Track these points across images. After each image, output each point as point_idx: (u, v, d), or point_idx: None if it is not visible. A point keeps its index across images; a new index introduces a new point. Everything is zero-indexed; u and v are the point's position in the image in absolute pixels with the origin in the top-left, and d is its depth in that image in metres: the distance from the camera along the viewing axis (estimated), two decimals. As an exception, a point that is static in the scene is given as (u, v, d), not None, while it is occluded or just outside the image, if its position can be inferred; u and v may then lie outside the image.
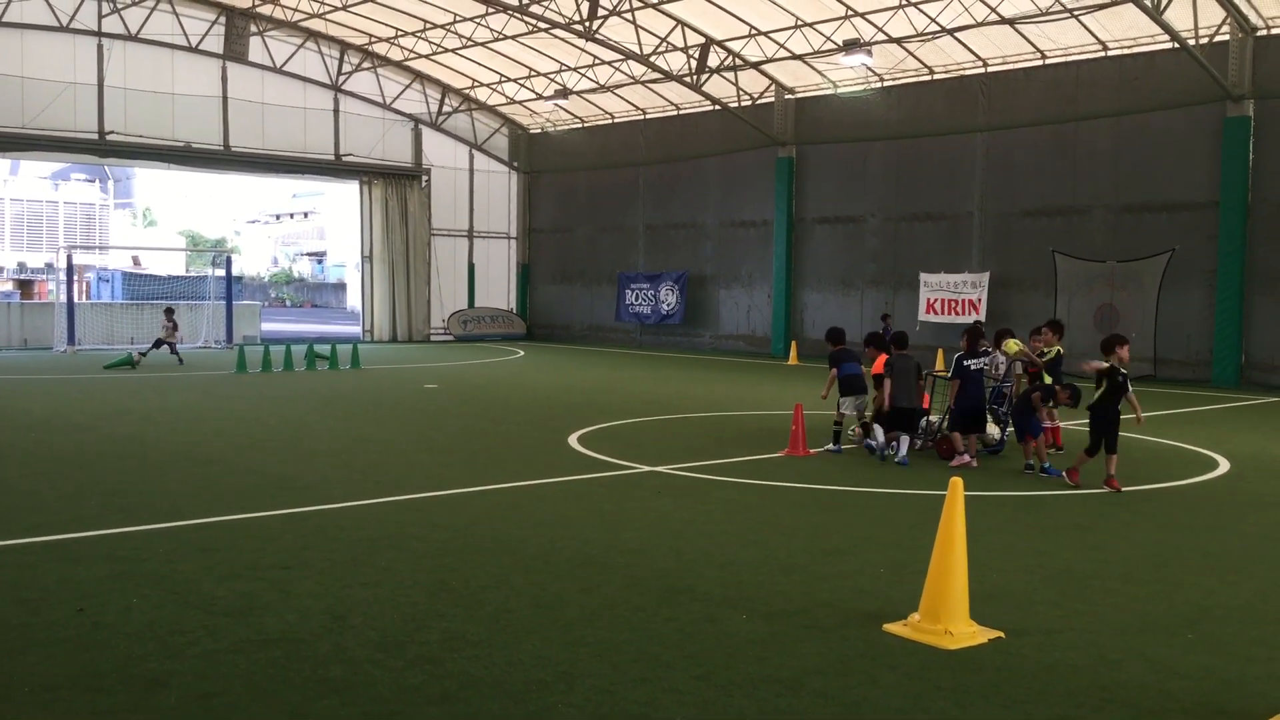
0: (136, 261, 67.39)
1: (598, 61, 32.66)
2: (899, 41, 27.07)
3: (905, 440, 12.47)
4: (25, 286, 54.82)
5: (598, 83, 34.16)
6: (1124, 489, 10.77)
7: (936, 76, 28.70)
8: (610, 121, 37.42)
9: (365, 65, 36.21)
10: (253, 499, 9.99)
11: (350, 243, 53.95)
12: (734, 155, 33.32)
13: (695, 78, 30.39)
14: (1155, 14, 21.53)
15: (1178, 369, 24.38)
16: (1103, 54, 25.55)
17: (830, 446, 13.27)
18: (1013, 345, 13.31)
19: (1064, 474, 11.25)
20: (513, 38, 31.65)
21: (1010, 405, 13.13)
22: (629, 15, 27.90)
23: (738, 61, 30.24)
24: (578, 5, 27.57)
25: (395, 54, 35.88)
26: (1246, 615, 6.87)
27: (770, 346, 32.50)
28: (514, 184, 40.94)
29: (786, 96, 31.77)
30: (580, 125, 38.45)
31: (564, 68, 33.88)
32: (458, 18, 31.31)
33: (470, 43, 32.74)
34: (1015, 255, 27.21)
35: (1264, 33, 23.16)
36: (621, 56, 30.28)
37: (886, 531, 9.13)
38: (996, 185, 27.70)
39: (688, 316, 34.84)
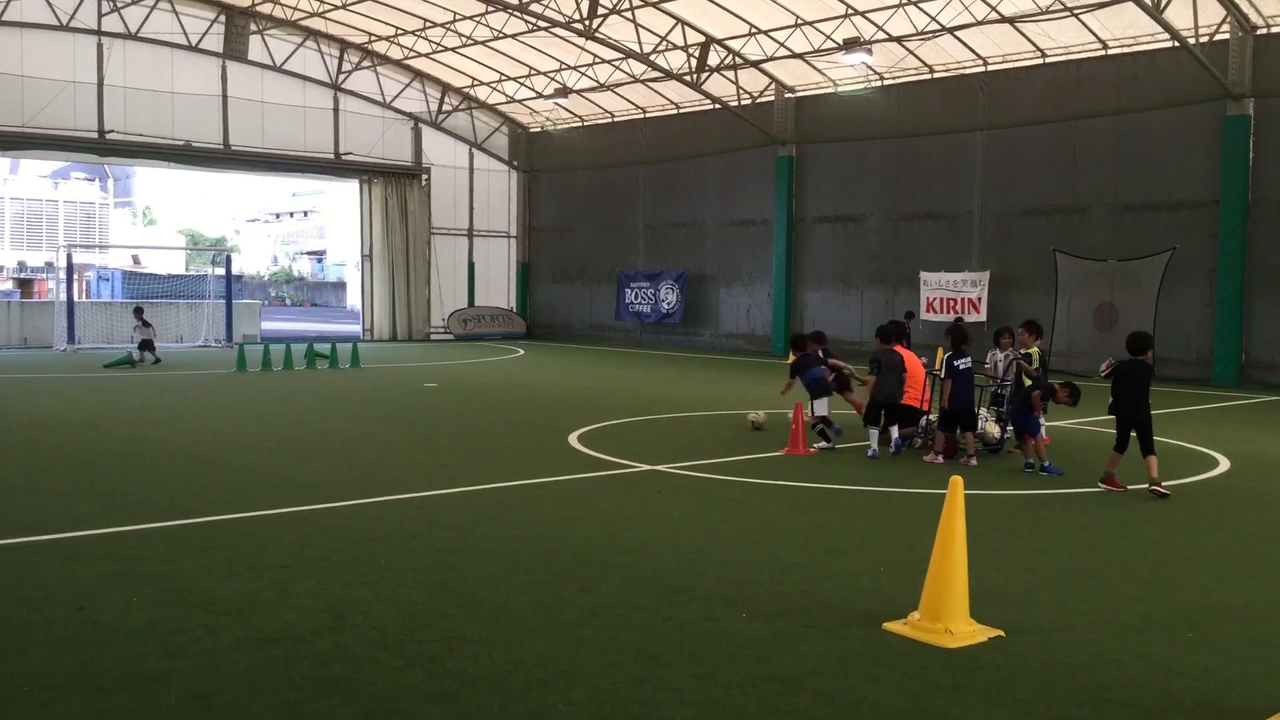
0: (136, 260, 67.38)
1: (598, 60, 32.65)
2: (899, 40, 27.05)
3: (875, 433, 12.77)
4: (25, 285, 54.82)
5: (598, 81, 34.15)
6: (1127, 489, 10.75)
7: (936, 75, 28.69)
8: (610, 120, 37.41)
9: (365, 64, 36.21)
10: (253, 498, 9.99)
11: (350, 242, 53.94)
12: (734, 154, 33.31)
13: (695, 76, 30.38)
14: (1155, 13, 21.52)
15: (1178, 368, 24.38)
16: (1103, 53, 25.54)
17: (822, 444, 13.44)
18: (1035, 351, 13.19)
19: (1102, 484, 10.83)
20: (513, 36, 31.63)
21: (1009, 405, 13.11)
22: (629, 14, 27.89)
23: (738, 60, 30.23)
24: (577, 4, 27.56)
25: (395, 53, 35.87)
26: (1247, 615, 6.87)
27: (770, 345, 32.49)
28: (514, 183, 40.93)
29: (786, 95, 31.76)
30: (580, 124, 38.44)
31: (564, 66, 33.87)
32: (457, 16, 31.30)
33: (470, 41, 32.73)
34: (1015, 254, 27.21)
35: (1264, 31, 23.15)
36: (621, 55, 30.27)
37: (887, 530, 9.12)
38: (997, 184, 27.70)
39: (688, 315, 34.83)
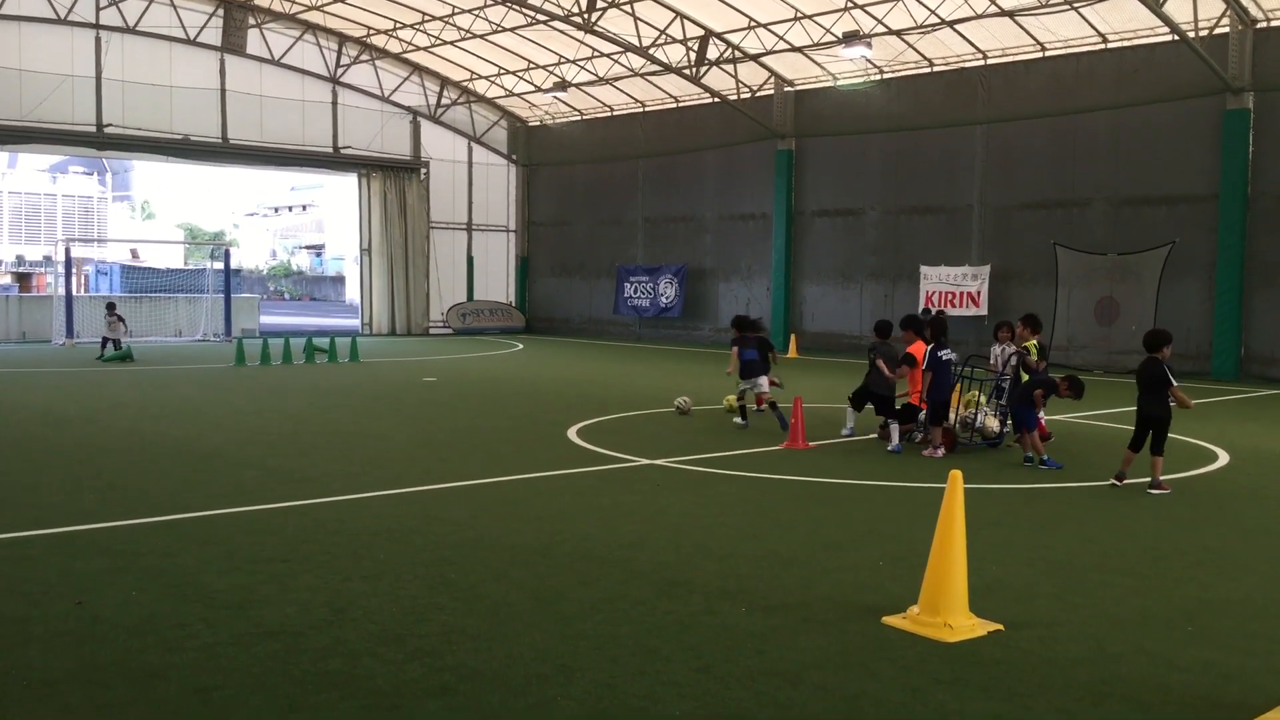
0: (135, 254, 67.30)
1: (596, 54, 32.61)
2: (898, 34, 27.02)
3: (852, 414, 13.42)
4: (23, 279, 54.79)
5: (596, 75, 34.12)
6: (1125, 483, 10.73)
7: (936, 69, 28.66)
8: (609, 114, 37.37)
9: (363, 58, 36.15)
10: (252, 492, 9.98)
11: (349, 236, 53.88)
12: (733, 148, 33.28)
13: (694, 70, 30.34)
14: (1155, 6, 21.50)
15: (1177, 361, 24.04)
16: (1102, 46, 25.52)
17: (738, 421, 14.77)
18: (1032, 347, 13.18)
19: (1114, 481, 10.69)
20: (511, 30, 31.59)
21: (1009, 398, 13.12)
22: (627, 7, 27.85)
23: (737, 54, 30.19)
24: (576, -3, 27.55)
25: (393, 46, 35.80)
26: (1246, 609, 6.88)
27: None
28: (513, 177, 40.90)
29: (786, 89, 31.72)
30: (579, 118, 38.40)
31: (562, 60, 33.83)
32: (456, 10, 31.25)
33: (469, 35, 32.68)
34: (1015, 248, 27.20)
35: (1264, 25, 23.13)
36: (620, 49, 30.22)
37: (886, 525, 9.13)
38: (996, 178, 27.68)
39: (687, 309, 34.82)
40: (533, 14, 29.02)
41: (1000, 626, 6.25)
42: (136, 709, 5.01)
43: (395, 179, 37.59)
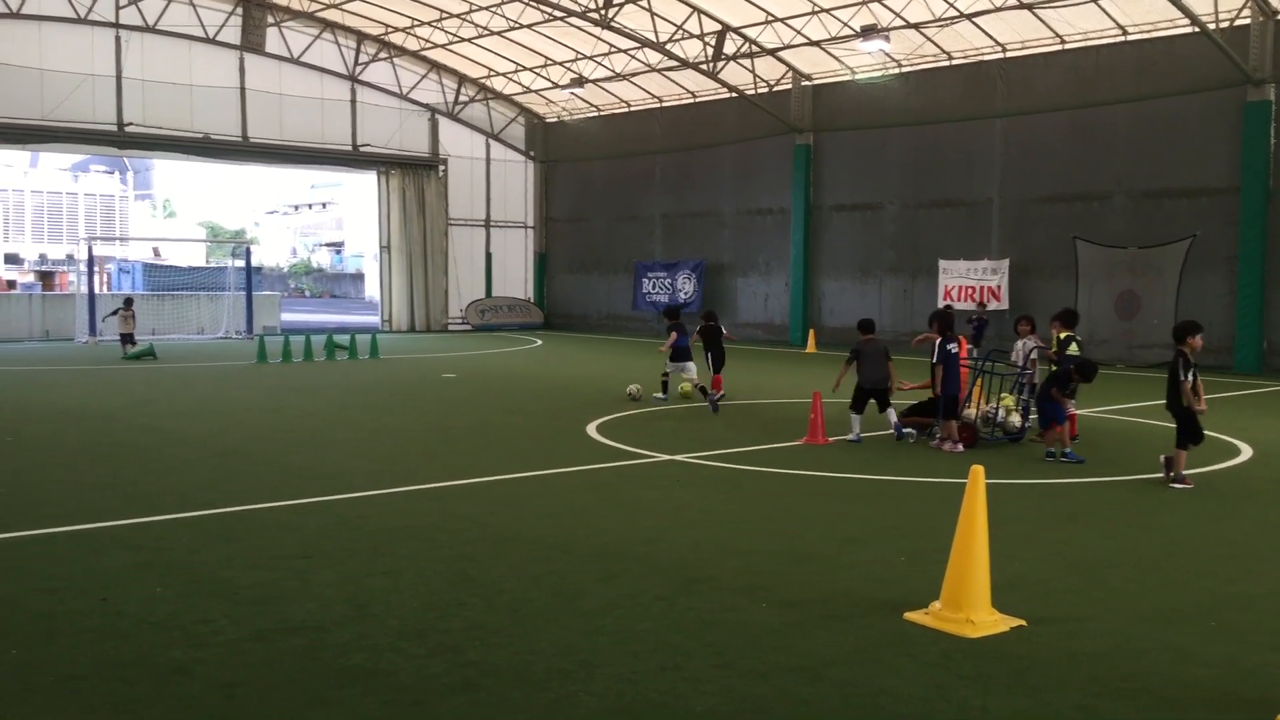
0: (157, 253, 67.72)
1: (614, 50, 32.60)
2: (917, 27, 26.92)
3: (857, 419, 13.26)
4: (46, 278, 55.20)
5: (614, 71, 34.12)
6: (1144, 477, 10.67)
7: (955, 62, 28.54)
8: (626, 110, 37.36)
9: (382, 55, 36.25)
10: (274, 489, 10.03)
11: (368, 233, 54.10)
12: (751, 143, 33.22)
13: (711, 65, 30.29)
14: (1176, -3, 21.33)
15: (1199, 355, 24.14)
16: (1122, 38, 25.35)
17: (658, 395, 17.00)
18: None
19: (1172, 483, 10.39)
20: (528, 26, 31.62)
21: (1032, 393, 13.08)
22: (645, 3, 27.83)
23: (754, 48, 30.14)
24: (594, -7, 27.54)
25: (411, 44, 35.89)
26: (1269, 603, 6.83)
27: (788, 335, 32.43)
28: (531, 173, 40.94)
29: (804, 83, 31.64)
30: (596, 114, 38.40)
31: (580, 56, 33.84)
32: (473, 7, 31.30)
33: (486, 32, 32.72)
34: (1035, 242, 27.06)
35: (1287, 15, 22.94)
36: (637, 44, 30.19)
37: (906, 520, 9.10)
38: (1016, 171, 27.55)
39: (705, 305, 34.74)
40: (550, 10, 29.04)
41: (1023, 622, 6.23)
42: (160, 704, 5.05)
43: (414, 176, 37.68)
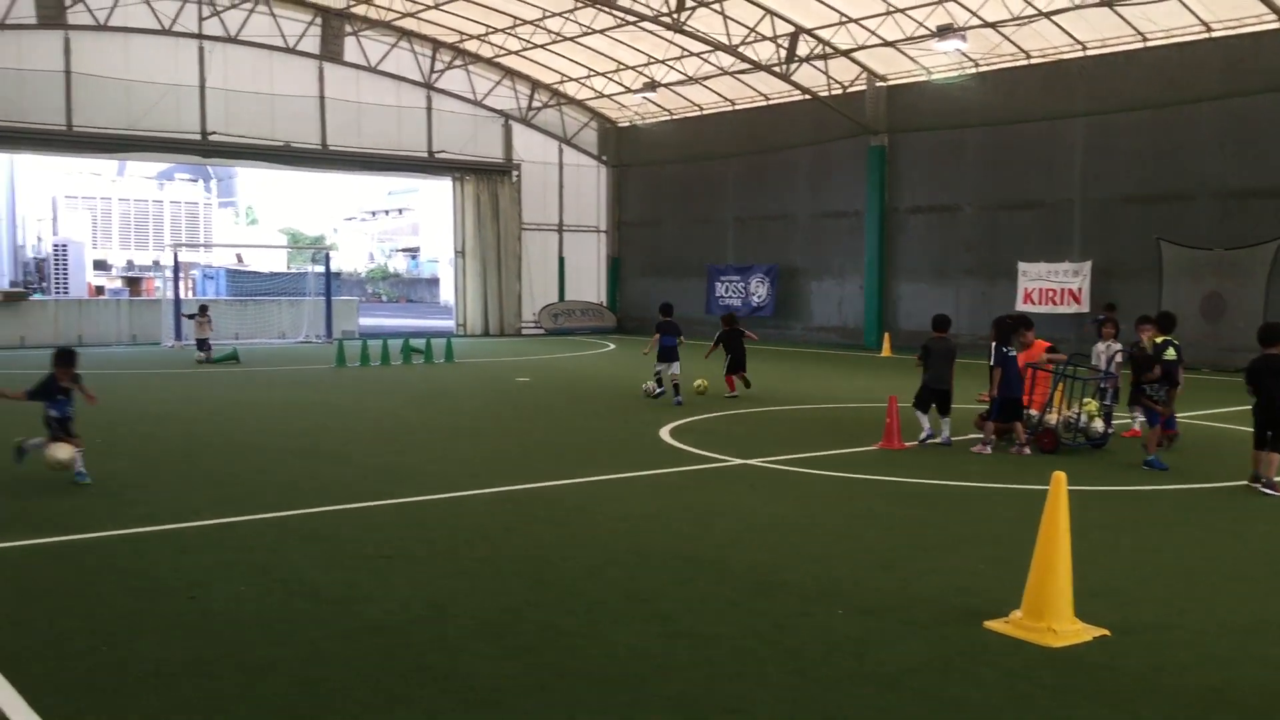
0: (240, 259, 69.14)
1: (686, 53, 32.62)
2: (994, 26, 26.54)
3: (925, 418, 13.15)
4: (133, 284, 56.56)
5: (686, 75, 34.12)
6: (1231, 484, 10.39)
7: (1033, 61, 28.08)
8: (699, 113, 37.34)
9: (457, 63, 36.66)
10: (354, 490, 10.19)
11: (443, 238, 54.67)
12: (824, 145, 33.01)
13: (785, 67, 30.16)
14: (1265, -9, 20.77)
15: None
16: (1206, 35, 24.72)
17: (650, 385, 17.74)
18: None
19: (1263, 489, 10.13)
20: (601, 32, 31.76)
21: (1115, 398, 12.84)
22: (717, 6, 27.80)
23: (828, 50, 29.94)
24: (666, -2, 27.59)
25: (486, 51, 36.26)
26: (1367, 615, 6.61)
27: (863, 338, 32.14)
28: (603, 178, 41.11)
29: (878, 84, 31.36)
30: (669, 118, 38.44)
31: (652, 60, 33.91)
32: (546, 13, 31.52)
33: (559, 38, 32.94)
34: (1118, 243, 26.50)
35: (1382, 8, 22.21)
36: (710, 48, 30.17)
37: (986, 526, 8.97)
38: (1097, 171, 27.01)
39: (778, 309, 34.63)
40: (622, 15, 29.14)
41: (1106, 632, 6.10)
42: (246, 702, 5.16)
43: (488, 182, 38.05)
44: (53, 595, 6.85)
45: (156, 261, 65.61)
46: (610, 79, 36.43)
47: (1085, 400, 13.03)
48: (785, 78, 30.54)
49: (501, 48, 35.39)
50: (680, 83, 34.85)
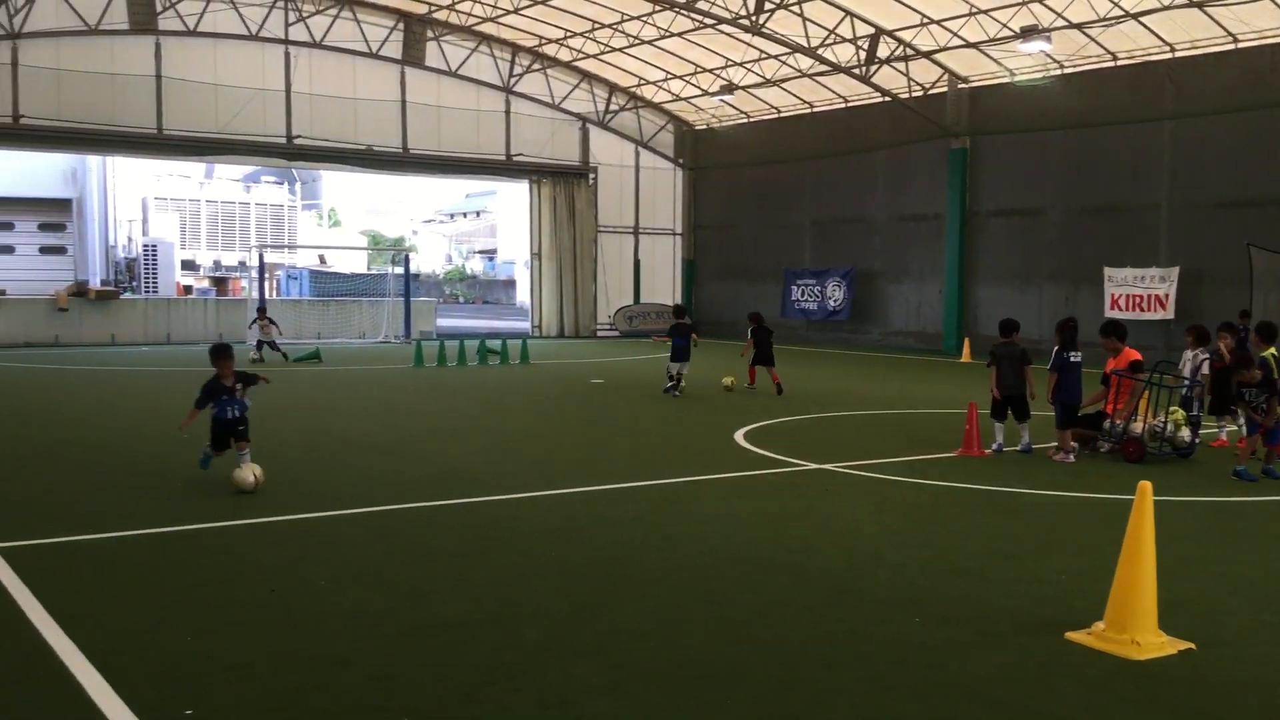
0: (322, 260, 70.39)
1: (764, 56, 32.49)
2: (1080, 27, 26.03)
3: (999, 427, 12.92)
4: (220, 283, 57.87)
5: (764, 77, 33.97)
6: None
7: (1120, 63, 27.47)
8: (776, 116, 37.16)
9: (535, 67, 36.93)
10: (430, 489, 10.31)
11: (520, 240, 55.11)
12: (904, 147, 32.64)
13: (864, 69, 29.89)
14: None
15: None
16: (1303, 34, 23.99)
17: (670, 385, 18.56)
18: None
19: None
20: (679, 35, 31.76)
21: (1201, 407, 12.51)
22: (796, 8, 27.65)
23: (909, 51, 29.61)
24: (744, 0, 27.48)
25: (564, 54, 36.48)
26: None
27: (942, 343, 31.72)
28: (679, 180, 41.10)
29: (960, 86, 30.93)
30: (746, 120, 38.31)
31: (730, 63, 33.83)
32: (625, 16, 31.62)
33: (637, 41, 33.02)
34: (1206, 249, 25.81)
35: None
36: (788, 50, 30.02)
37: (1068, 536, 8.79)
38: (1186, 175, 26.34)
39: (855, 312, 34.31)
40: (701, 18, 29.12)
41: (1191, 645, 5.94)
42: (324, 694, 5.24)
43: (565, 184, 38.27)
44: (140, 586, 7.03)
45: (242, 262, 67.02)
46: (687, 82, 36.42)
47: (1172, 409, 12.71)
48: (865, 80, 30.26)
49: (579, 51, 35.58)
50: (758, 85, 34.71)
